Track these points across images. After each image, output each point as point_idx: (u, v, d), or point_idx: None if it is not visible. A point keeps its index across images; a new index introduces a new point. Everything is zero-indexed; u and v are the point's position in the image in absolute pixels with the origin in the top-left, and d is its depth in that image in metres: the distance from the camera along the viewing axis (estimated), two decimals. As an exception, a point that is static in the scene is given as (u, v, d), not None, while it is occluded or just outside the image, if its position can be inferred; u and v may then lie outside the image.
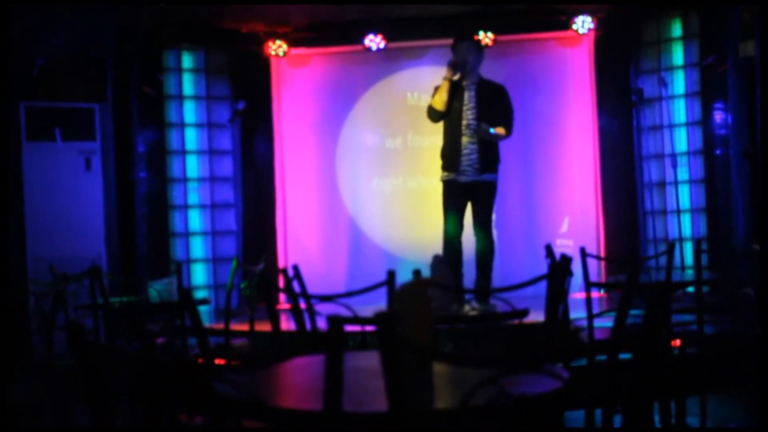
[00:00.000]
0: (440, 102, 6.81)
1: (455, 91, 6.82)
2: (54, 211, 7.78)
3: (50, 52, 7.66)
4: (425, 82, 7.11)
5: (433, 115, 6.90)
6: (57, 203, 7.82)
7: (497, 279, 6.98)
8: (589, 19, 8.38)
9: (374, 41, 8.66)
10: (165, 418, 2.78)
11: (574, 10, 8.39)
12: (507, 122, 6.84)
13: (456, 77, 6.82)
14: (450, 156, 6.85)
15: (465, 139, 6.80)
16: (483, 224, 6.88)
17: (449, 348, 5.73)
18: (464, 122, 6.81)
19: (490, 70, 7.41)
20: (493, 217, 6.95)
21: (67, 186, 7.93)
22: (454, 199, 6.88)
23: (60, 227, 7.79)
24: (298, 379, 2.55)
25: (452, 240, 6.89)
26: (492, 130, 6.70)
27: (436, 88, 6.89)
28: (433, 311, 2.54)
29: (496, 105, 6.84)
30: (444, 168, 6.92)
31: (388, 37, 8.66)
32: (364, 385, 2.22)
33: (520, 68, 8.76)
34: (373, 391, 2.10)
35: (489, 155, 6.82)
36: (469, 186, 6.83)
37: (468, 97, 6.85)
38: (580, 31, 8.44)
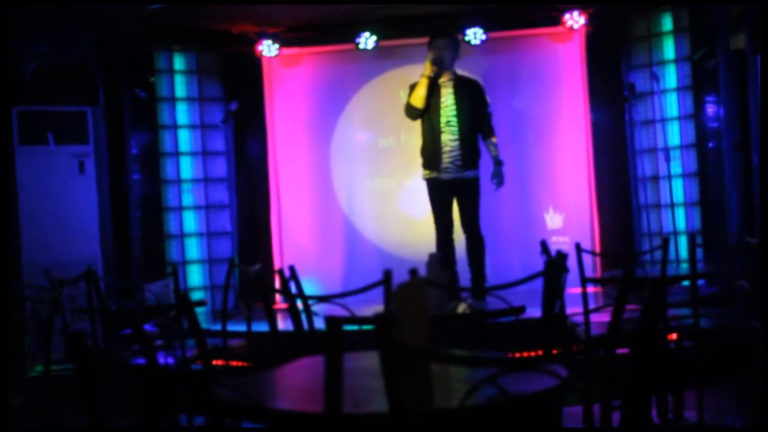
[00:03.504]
0: (419, 99, 6.86)
1: (432, 88, 6.87)
2: (48, 216, 7.78)
3: (40, 58, 7.66)
4: (417, 80, 7.13)
5: (412, 112, 6.95)
6: (51, 207, 7.82)
7: (491, 276, 6.99)
8: (579, 14, 8.39)
9: (366, 40, 8.66)
10: (164, 422, 2.79)
11: (565, 6, 8.39)
12: (489, 124, 6.97)
13: (433, 75, 6.89)
14: (431, 154, 6.89)
15: (445, 137, 6.85)
16: (471, 221, 6.92)
17: (446, 347, 5.73)
18: (443, 119, 6.86)
19: (482, 67, 7.44)
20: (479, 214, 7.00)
21: (60, 190, 7.93)
22: (439, 197, 6.92)
23: (54, 231, 7.79)
24: (298, 380, 2.56)
25: (444, 238, 6.92)
26: (497, 152, 6.89)
27: (412, 87, 6.94)
28: (430, 310, 2.54)
29: (476, 104, 6.91)
30: (425, 166, 6.96)
31: (379, 36, 8.66)
32: (362, 386, 2.23)
33: (512, 65, 8.77)
34: (372, 392, 2.11)
35: (470, 152, 6.86)
36: (453, 183, 6.86)
37: (445, 94, 6.91)
38: (574, 27, 8.45)
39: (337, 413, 1.84)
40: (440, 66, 6.87)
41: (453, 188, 6.88)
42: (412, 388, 2.00)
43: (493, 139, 6.95)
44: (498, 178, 6.91)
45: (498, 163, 6.91)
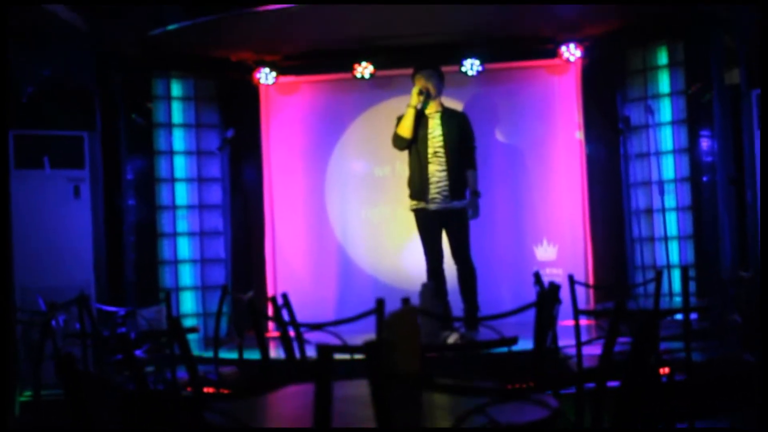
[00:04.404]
0: (406, 129, 6.93)
1: (419, 119, 6.94)
2: (42, 240, 7.76)
3: (38, 82, 7.68)
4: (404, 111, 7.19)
5: (400, 142, 7.01)
6: (45, 231, 7.80)
7: (484, 308, 6.99)
8: (575, 47, 8.44)
9: (363, 69, 8.70)
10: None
11: (562, 38, 8.44)
12: (472, 157, 7.04)
13: (420, 105, 6.97)
14: (419, 185, 6.93)
15: (433, 167, 6.90)
16: (461, 251, 6.94)
17: (438, 377, 5.71)
18: (431, 150, 6.92)
19: (478, 98, 7.47)
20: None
21: (55, 214, 7.91)
22: (427, 227, 6.96)
23: (48, 255, 7.76)
24: (288, 407, 2.55)
25: (434, 268, 6.93)
26: (476, 183, 6.98)
27: (399, 118, 7.01)
28: (422, 340, 2.54)
29: (464, 136, 6.98)
30: (413, 197, 6.99)
31: (376, 65, 8.70)
32: (353, 414, 2.22)
33: (508, 96, 8.82)
34: (362, 420, 2.10)
35: (458, 182, 6.91)
36: (441, 214, 6.90)
37: (433, 125, 6.97)
38: (570, 59, 8.49)
39: (326, 441, 1.83)
40: (427, 96, 6.94)
41: (441, 218, 6.91)
42: (401, 416, 1.99)
43: (473, 171, 7.01)
44: (473, 208, 6.94)
45: (475, 193, 6.95)
